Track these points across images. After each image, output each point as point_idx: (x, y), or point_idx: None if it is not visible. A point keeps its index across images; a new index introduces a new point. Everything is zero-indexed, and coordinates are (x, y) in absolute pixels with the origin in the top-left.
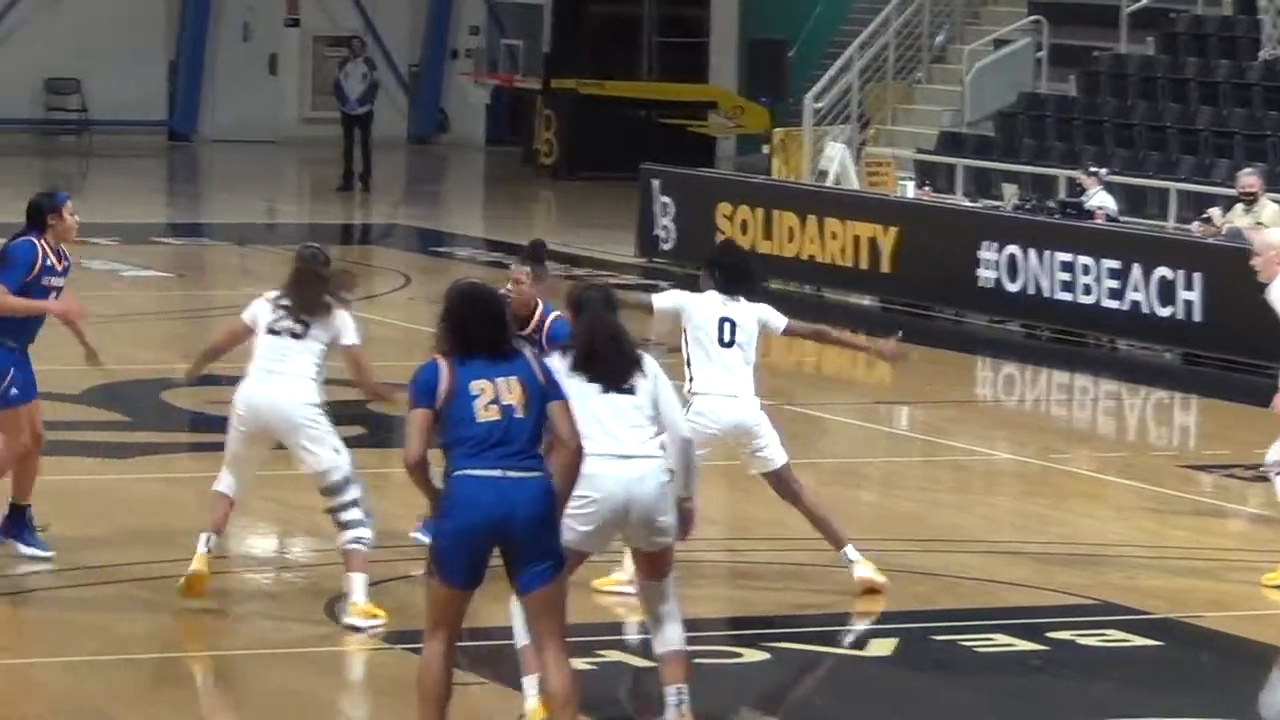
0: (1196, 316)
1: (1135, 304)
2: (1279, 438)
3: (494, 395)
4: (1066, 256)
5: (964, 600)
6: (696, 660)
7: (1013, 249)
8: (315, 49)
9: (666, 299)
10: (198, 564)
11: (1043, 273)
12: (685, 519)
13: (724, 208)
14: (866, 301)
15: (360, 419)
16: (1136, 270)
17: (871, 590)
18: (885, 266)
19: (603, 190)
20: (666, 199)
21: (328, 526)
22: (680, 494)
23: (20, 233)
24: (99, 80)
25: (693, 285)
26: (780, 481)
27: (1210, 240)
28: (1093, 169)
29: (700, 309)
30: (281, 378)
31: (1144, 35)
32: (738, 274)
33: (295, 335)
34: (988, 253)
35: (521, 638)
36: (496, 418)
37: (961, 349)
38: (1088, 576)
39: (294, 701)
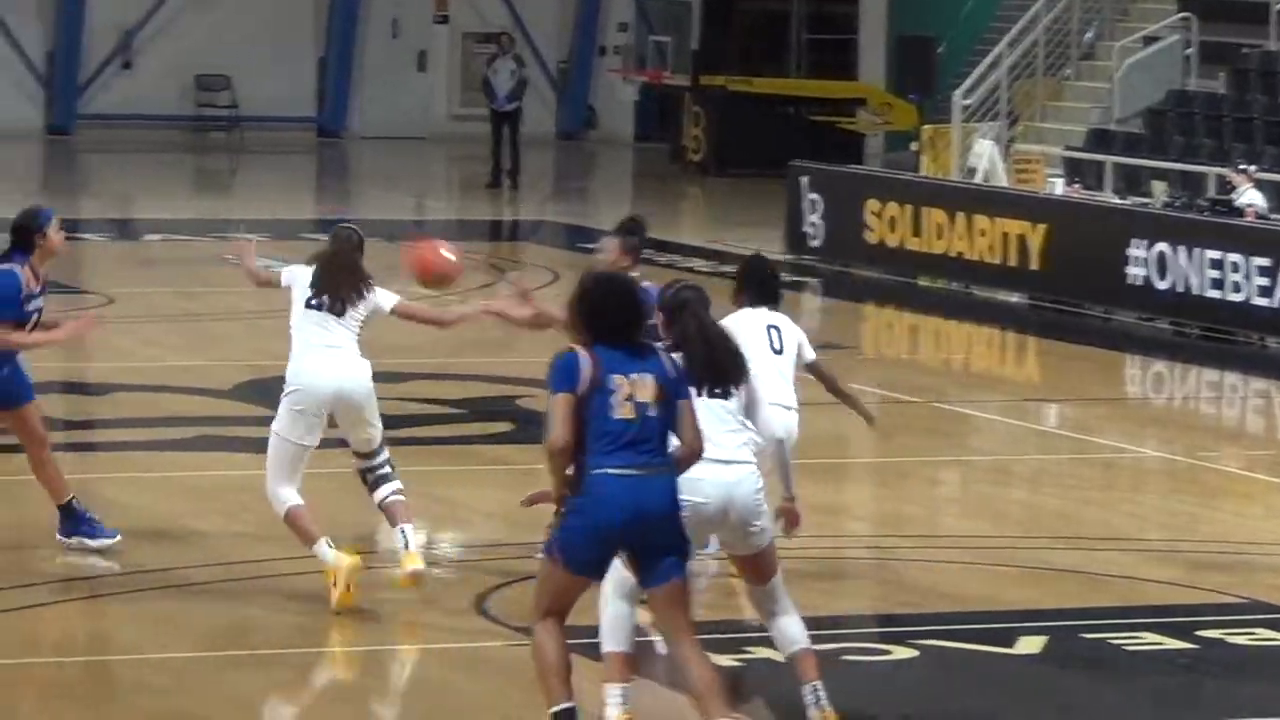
0: None
1: None
2: None
3: (630, 392)
4: (1216, 254)
5: (1113, 598)
6: (844, 658)
7: (1162, 246)
8: (464, 45)
9: None
10: (348, 561)
11: (1192, 270)
12: (792, 519)
13: (872, 205)
14: (1015, 299)
15: (508, 415)
16: None
17: None
18: (1034, 264)
19: (750, 187)
20: (815, 196)
21: (476, 520)
22: (784, 494)
23: (1, 257)
24: (249, 77)
25: (841, 283)
26: None
27: None
28: (1242, 166)
29: (743, 323)
30: (338, 355)
31: None
32: (772, 288)
33: (336, 313)
34: (1137, 250)
35: (610, 644)
36: (631, 416)
37: (1110, 347)
38: (1237, 575)
39: (443, 697)
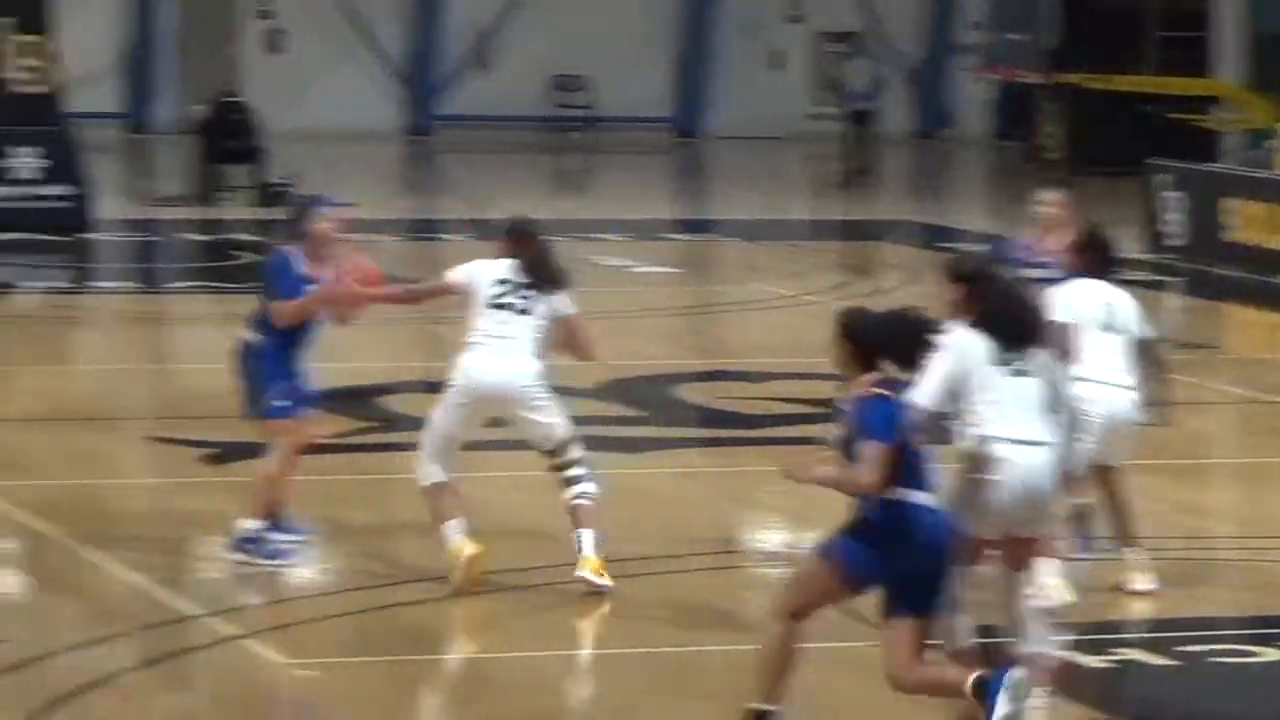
0: None
1: None
2: None
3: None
4: None
5: None
6: (1211, 659)
7: None
8: (818, 45)
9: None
10: (472, 549)
11: None
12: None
13: (1232, 203)
14: None
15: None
16: None
17: None
18: None
19: (1106, 185)
20: (1174, 194)
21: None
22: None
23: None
24: (606, 77)
25: (1200, 282)
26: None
27: None
28: None
29: (1079, 294)
30: (508, 351)
31: None
32: (1109, 259)
33: (522, 311)
34: None
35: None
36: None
37: None
38: None
39: (819, 697)
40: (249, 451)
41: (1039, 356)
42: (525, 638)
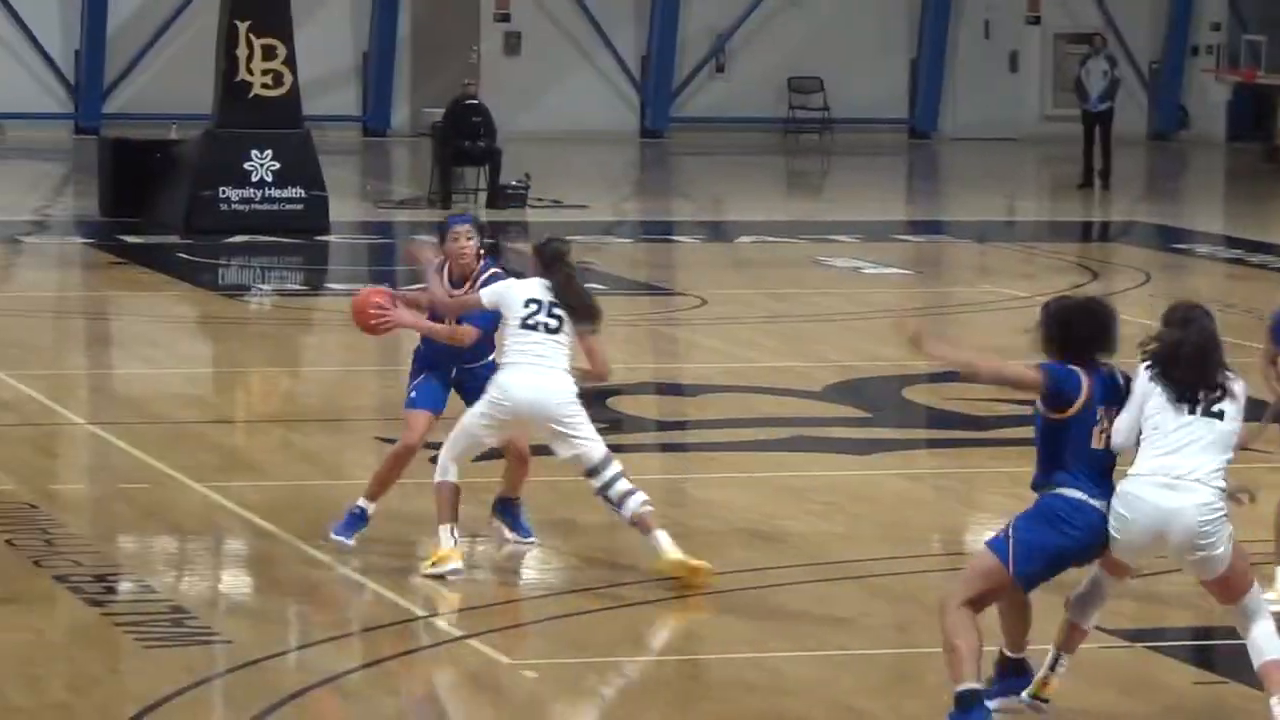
0: None
1: None
2: None
3: (1105, 424)
4: None
5: None
6: None
7: None
8: (1056, 46)
9: None
10: (453, 553)
11: None
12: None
13: None
14: None
15: None
16: None
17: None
18: None
19: None
20: None
21: None
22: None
23: None
24: (842, 79)
25: None
26: None
27: None
28: None
29: None
30: (542, 370)
31: None
32: None
33: (553, 330)
34: None
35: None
36: (1103, 447)
37: None
38: None
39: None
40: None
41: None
42: (750, 638)
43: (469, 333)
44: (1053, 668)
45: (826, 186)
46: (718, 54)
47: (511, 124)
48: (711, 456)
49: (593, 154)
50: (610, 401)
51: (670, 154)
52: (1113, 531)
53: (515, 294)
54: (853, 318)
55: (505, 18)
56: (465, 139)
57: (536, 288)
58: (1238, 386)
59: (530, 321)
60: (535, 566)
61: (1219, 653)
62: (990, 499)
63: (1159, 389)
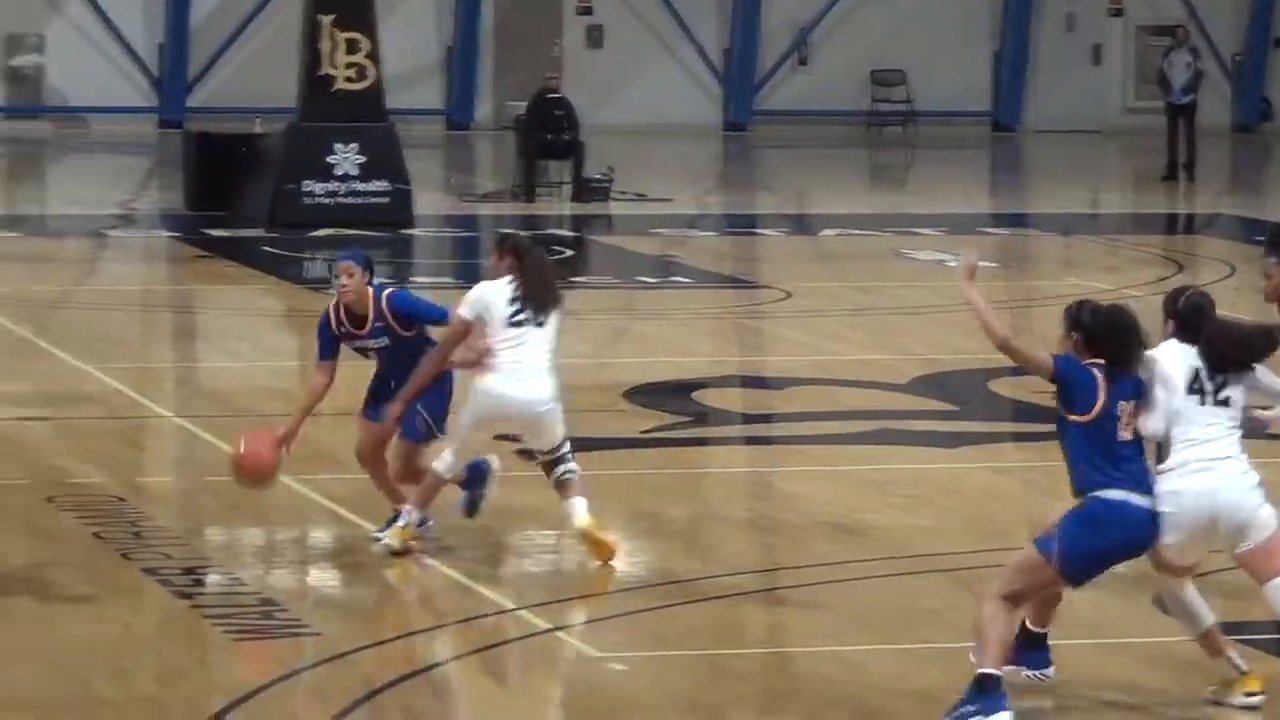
0: None
1: None
2: None
3: (1129, 418)
4: None
5: None
6: None
7: None
8: (1139, 38)
9: None
10: (401, 539)
11: None
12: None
13: None
14: None
15: None
16: None
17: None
18: None
19: None
20: None
21: None
22: None
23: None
24: (925, 72)
25: None
26: None
27: None
28: None
29: None
30: (527, 372)
31: None
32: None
33: (538, 324)
34: None
35: None
36: (1130, 438)
37: None
38: None
39: (1134, 694)
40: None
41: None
42: (834, 632)
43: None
44: (1238, 668)
45: (910, 179)
46: (800, 47)
47: (594, 117)
48: (796, 450)
49: (675, 147)
50: (695, 395)
51: (753, 147)
52: (1165, 537)
53: (495, 296)
54: (937, 310)
55: (588, 11)
56: (548, 132)
57: (509, 286)
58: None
59: (516, 319)
60: (622, 560)
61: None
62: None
63: (1184, 376)
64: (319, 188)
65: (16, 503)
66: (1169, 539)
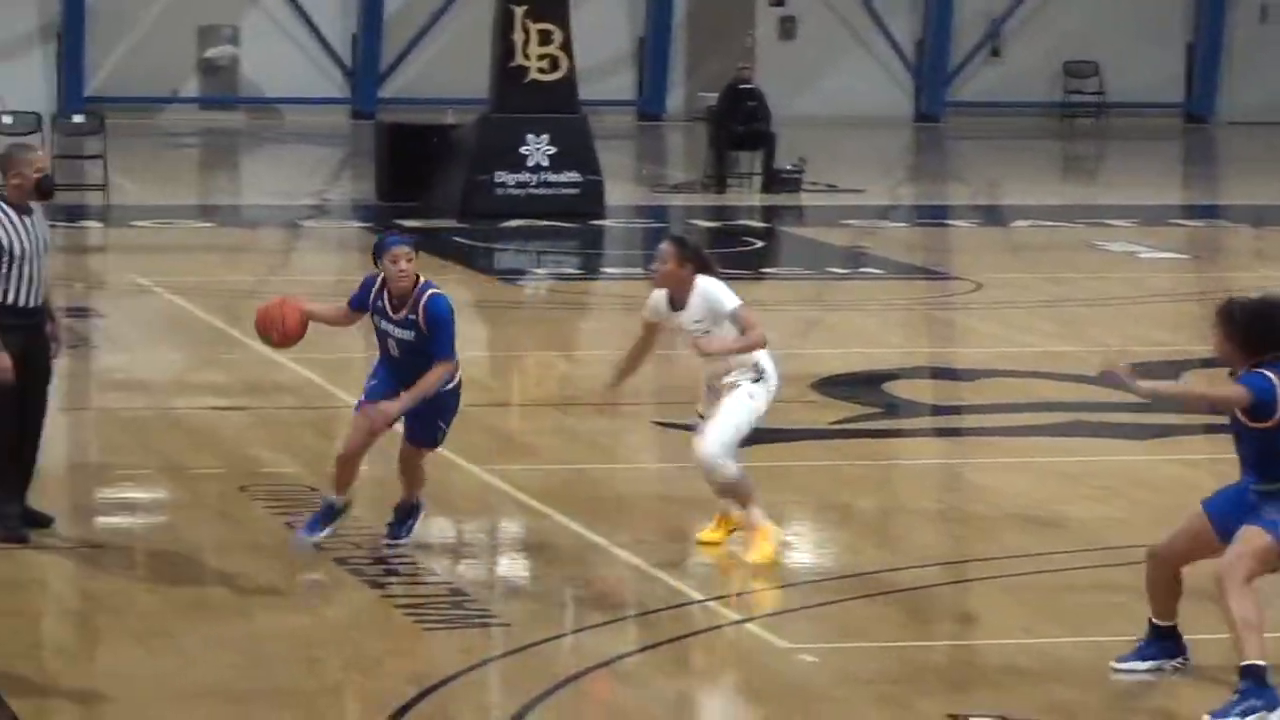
0: None
1: None
2: None
3: None
4: None
5: None
6: None
7: None
8: None
9: None
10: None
11: None
12: None
13: None
14: None
15: None
16: None
17: None
18: None
19: None
20: None
21: None
22: None
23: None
24: (1118, 63)
25: None
26: None
27: None
28: None
29: None
30: None
31: None
32: None
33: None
34: None
35: None
36: None
37: None
38: None
39: None
40: (760, 437)
41: None
42: (1026, 624)
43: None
44: None
45: (1102, 170)
46: (993, 38)
47: (786, 108)
48: (986, 441)
49: (866, 138)
50: (886, 386)
51: (944, 138)
52: None
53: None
54: (1129, 302)
55: (781, 2)
56: (740, 123)
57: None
58: None
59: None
60: (811, 551)
61: None
62: None
63: None
64: (510, 179)
65: (211, 491)
66: None
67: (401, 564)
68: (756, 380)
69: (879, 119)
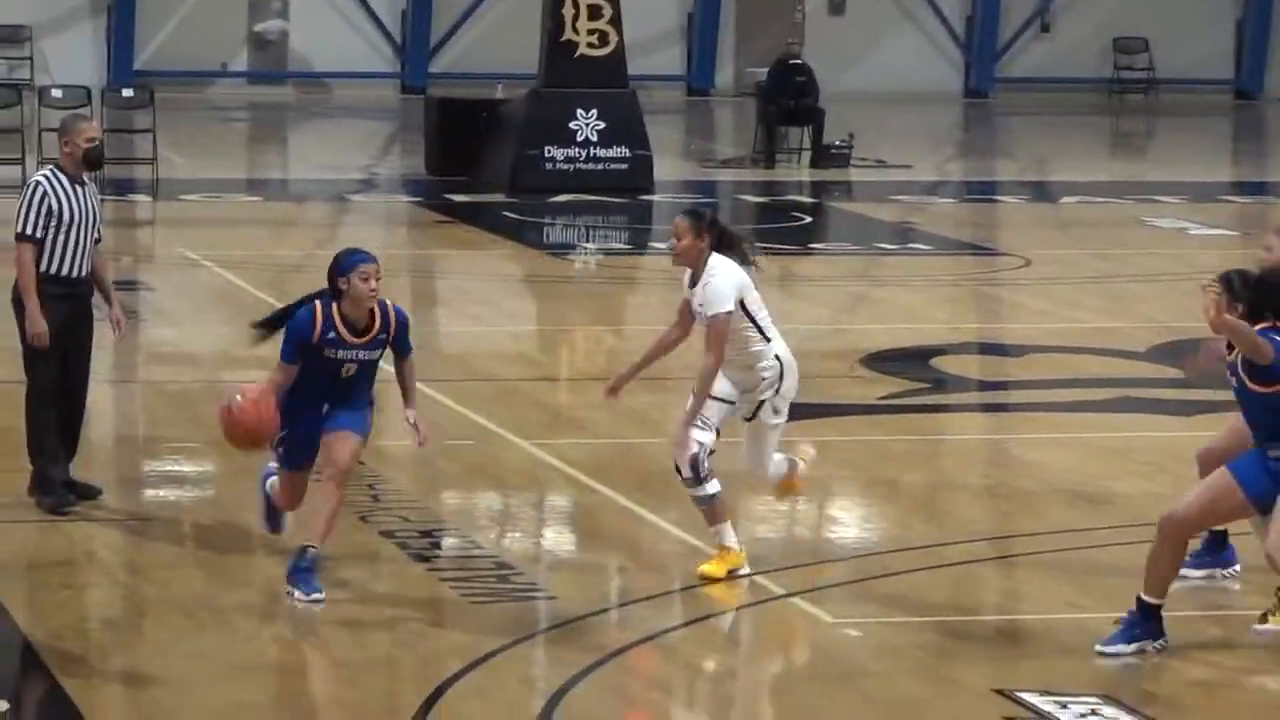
0: None
1: None
2: None
3: None
4: None
5: None
6: None
7: None
8: None
9: None
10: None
11: None
12: None
13: None
14: None
15: None
16: None
17: None
18: None
19: None
20: None
21: None
22: None
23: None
24: (1167, 39)
25: None
26: None
27: None
28: None
29: None
30: None
31: None
32: None
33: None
34: None
35: None
36: None
37: None
38: None
39: None
40: (807, 412)
41: None
42: (1071, 599)
43: None
44: None
45: (1151, 147)
46: (1042, 14)
47: (834, 84)
48: (1034, 417)
49: (915, 114)
50: (933, 361)
51: (994, 114)
52: None
53: (746, 278)
54: (1178, 278)
55: None
56: (789, 98)
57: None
58: None
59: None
60: (857, 525)
61: None
62: None
63: None
64: (560, 153)
65: (257, 465)
66: None
67: (448, 537)
68: (777, 391)
69: (928, 94)
